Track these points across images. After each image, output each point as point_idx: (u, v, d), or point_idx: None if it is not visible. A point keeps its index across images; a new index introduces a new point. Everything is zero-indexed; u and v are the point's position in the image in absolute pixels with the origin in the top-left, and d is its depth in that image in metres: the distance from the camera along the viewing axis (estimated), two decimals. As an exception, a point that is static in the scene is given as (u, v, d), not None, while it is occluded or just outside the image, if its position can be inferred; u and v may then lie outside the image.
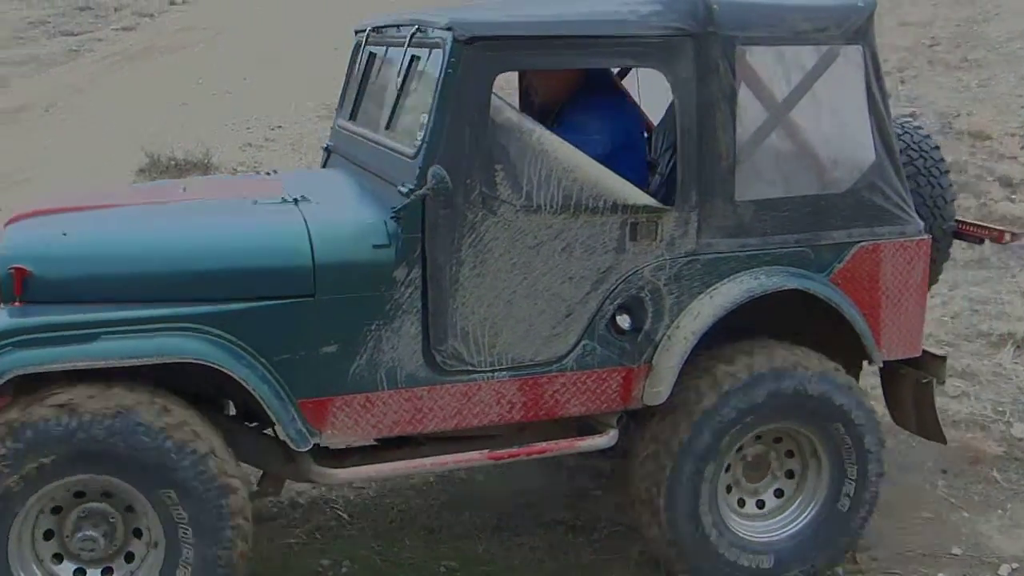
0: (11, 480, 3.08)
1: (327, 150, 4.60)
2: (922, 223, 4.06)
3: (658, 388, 3.71)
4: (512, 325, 3.56)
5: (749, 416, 3.78)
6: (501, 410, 3.62)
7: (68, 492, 3.23)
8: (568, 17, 3.59)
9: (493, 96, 3.43)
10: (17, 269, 3.23)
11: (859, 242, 3.92)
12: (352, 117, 4.32)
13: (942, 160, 4.36)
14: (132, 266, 3.31)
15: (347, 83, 4.49)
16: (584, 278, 3.60)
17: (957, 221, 4.36)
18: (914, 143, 4.33)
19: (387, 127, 3.83)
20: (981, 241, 4.42)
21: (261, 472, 3.85)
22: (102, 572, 3.31)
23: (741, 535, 3.95)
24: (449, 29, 3.39)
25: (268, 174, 4.46)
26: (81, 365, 3.15)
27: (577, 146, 3.55)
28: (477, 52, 3.38)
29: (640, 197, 3.62)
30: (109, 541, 3.27)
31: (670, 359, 3.69)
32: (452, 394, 3.56)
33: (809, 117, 3.92)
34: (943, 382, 4.32)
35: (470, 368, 3.55)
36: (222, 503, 3.24)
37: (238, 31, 14.65)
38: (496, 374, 3.59)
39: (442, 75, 3.37)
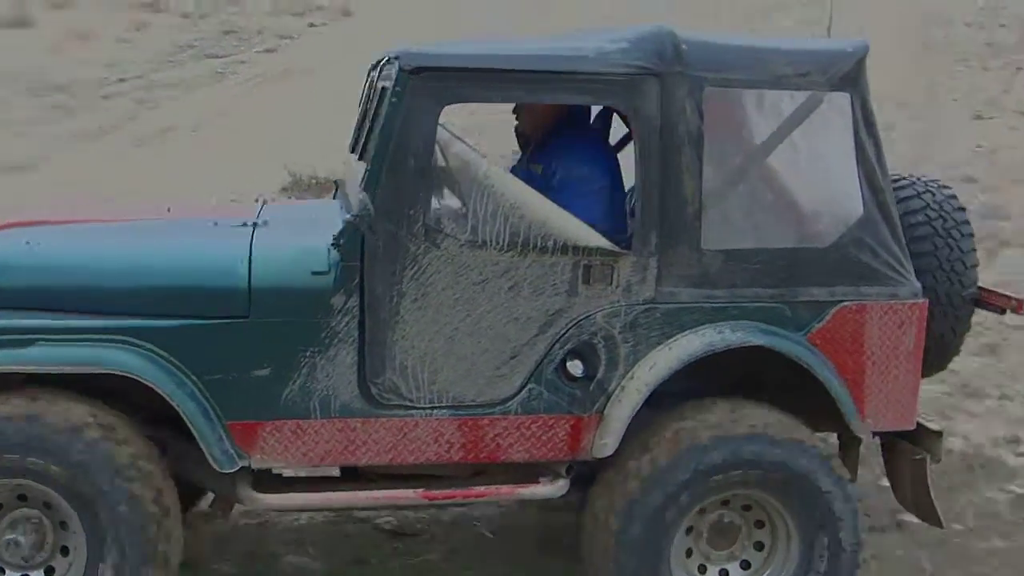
0: None
1: (335, 183, 4.56)
2: (919, 286, 3.72)
3: (605, 440, 3.49)
4: (453, 362, 3.44)
5: (705, 479, 3.49)
6: (439, 449, 3.49)
7: (12, 494, 3.28)
8: (522, 52, 3.52)
9: (441, 128, 3.36)
10: None
11: (841, 301, 3.62)
12: (352, 148, 4.21)
13: (966, 223, 3.96)
14: (74, 278, 3.34)
15: (359, 115, 4.38)
16: (532, 319, 3.46)
17: (980, 288, 3.94)
18: (935, 202, 3.94)
19: (359, 157, 3.80)
20: (1003, 311, 3.94)
21: (212, 495, 3.81)
22: None
23: None
24: (397, 59, 3.38)
25: (264, 201, 4.55)
26: (11, 369, 3.21)
27: (571, 188, 3.60)
28: (422, 83, 3.33)
29: (593, 239, 3.43)
30: (34, 550, 3.29)
31: (621, 411, 3.47)
32: (387, 428, 3.45)
33: (788, 165, 3.69)
34: (939, 460, 3.90)
35: (408, 403, 3.45)
36: (143, 521, 3.23)
37: (379, 52, 14.71)
38: (435, 411, 3.46)
39: (387, 104, 3.36)
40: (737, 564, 3.72)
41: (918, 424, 3.85)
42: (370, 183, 3.33)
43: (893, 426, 3.80)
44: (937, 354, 3.98)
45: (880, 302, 3.65)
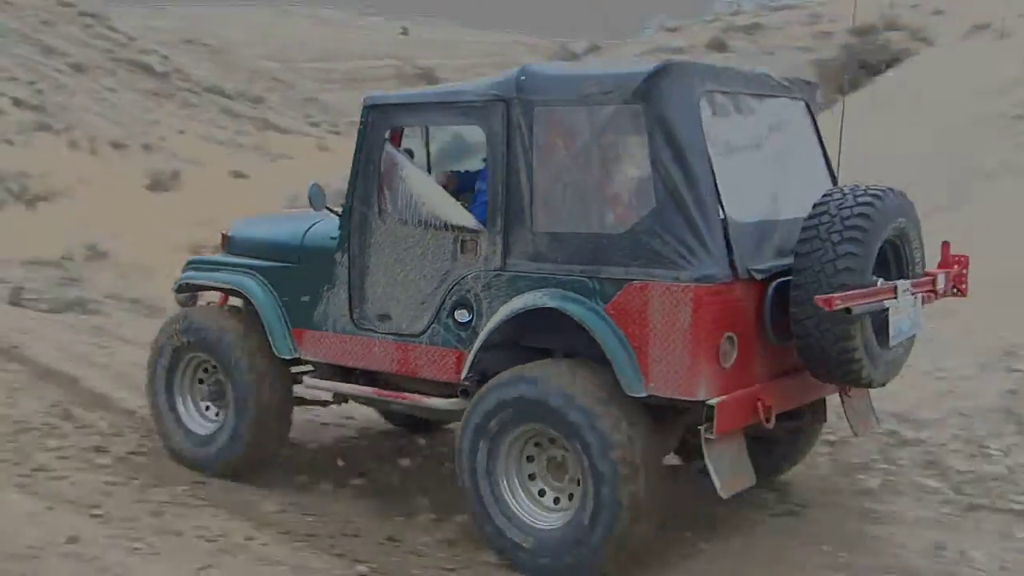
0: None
1: None
2: (710, 273, 4.21)
3: (464, 371, 4.88)
4: (394, 304, 5.18)
5: (503, 409, 4.60)
6: (386, 361, 5.25)
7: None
8: (433, 90, 5.37)
9: (386, 144, 5.23)
10: (223, 235, 6.28)
11: (631, 280, 4.37)
12: None
13: (855, 228, 4.28)
14: (249, 240, 6.04)
15: None
16: (433, 277, 5.02)
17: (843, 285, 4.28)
18: (841, 206, 4.35)
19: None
20: (849, 311, 4.23)
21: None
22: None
23: (515, 512, 4.65)
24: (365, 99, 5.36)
25: None
26: (204, 282, 6.12)
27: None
28: (375, 113, 5.27)
29: (465, 219, 4.93)
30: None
31: (473, 348, 4.82)
32: (361, 343, 5.32)
33: (595, 165, 4.58)
34: (712, 433, 4.23)
35: (371, 329, 5.29)
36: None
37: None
38: (384, 336, 5.23)
39: (357, 131, 5.35)
40: (561, 492, 4.67)
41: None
42: (351, 183, 5.31)
43: (673, 393, 4.28)
44: (814, 353, 4.42)
45: (661, 283, 4.27)
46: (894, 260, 4.69)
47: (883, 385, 4.78)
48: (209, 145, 29.91)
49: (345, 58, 61.41)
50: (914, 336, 4.85)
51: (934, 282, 4.92)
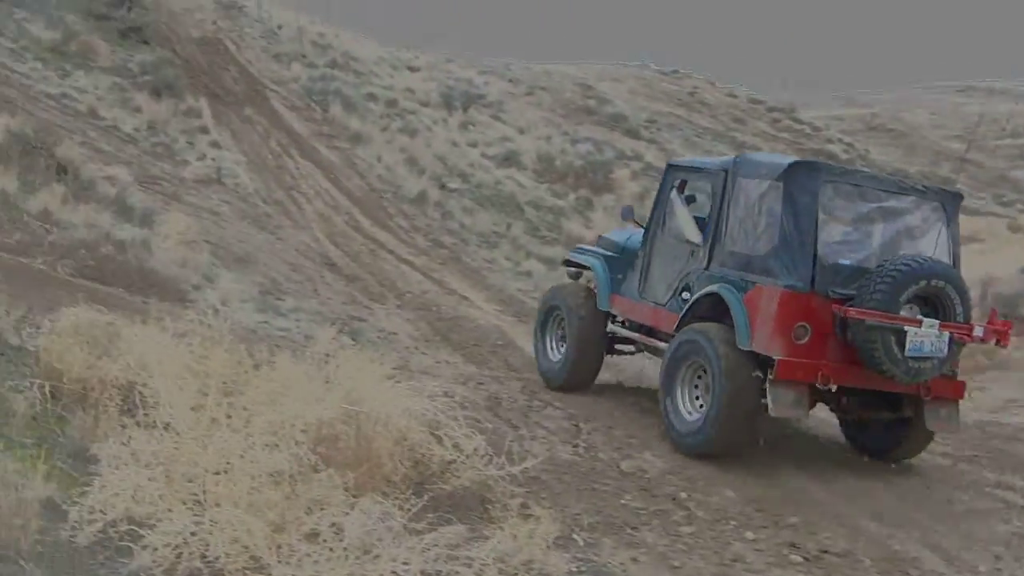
0: None
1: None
2: (791, 283, 7.18)
3: (676, 326, 8.25)
4: (659, 284, 8.46)
5: (681, 348, 7.79)
6: (648, 317, 8.64)
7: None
8: (697, 160, 9.52)
9: (673, 190, 8.68)
10: (598, 236, 10.55)
11: (757, 282, 7.47)
12: None
13: (888, 277, 6.99)
14: (605, 240, 9.76)
15: None
16: (677, 270, 8.34)
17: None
18: (889, 264, 7.07)
19: None
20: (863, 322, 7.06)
21: None
22: None
23: (681, 410, 7.76)
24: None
25: None
26: (575, 262, 9.84)
27: None
28: (670, 172, 8.97)
29: (696, 238, 8.25)
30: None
31: (680, 314, 8.20)
32: (639, 306, 8.68)
33: (757, 215, 7.70)
34: (773, 375, 7.28)
35: (646, 299, 8.60)
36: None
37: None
38: (650, 303, 8.54)
39: (660, 181, 9.10)
40: (706, 401, 7.50)
41: None
42: (652, 212, 8.84)
43: (761, 350, 7.21)
44: (855, 347, 7.18)
45: (768, 286, 7.35)
46: (937, 307, 7.05)
47: (906, 383, 7.17)
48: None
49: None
50: (945, 359, 7.12)
51: (971, 330, 7.17)
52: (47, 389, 5.65)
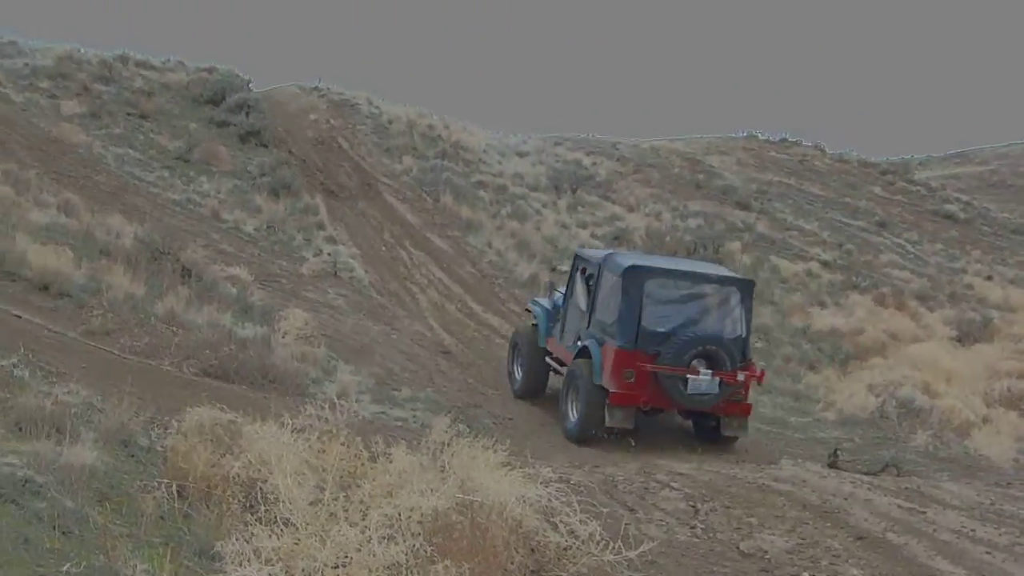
0: None
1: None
2: (621, 344, 11.10)
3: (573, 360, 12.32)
4: (567, 333, 12.46)
5: (570, 373, 11.91)
6: (564, 355, 12.64)
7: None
8: (585, 252, 13.15)
9: (577, 271, 12.67)
10: (550, 284, 14.85)
11: (606, 342, 11.42)
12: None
13: (678, 344, 11.04)
14: (542, 302, 13.69)
15: None
16: (576, 325, 12.23)
17: None
18: (685, 338, 11.05)
19: None
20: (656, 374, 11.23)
21: None
22: None
23: (568, 414, 11.75)
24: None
25: None
26: (531, 311, 14.37)
27: None
28: (576, 259, 12.99)
29: (584, 307, 12.27)
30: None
31: (575, 354, 12.20)
32: (563, 349, 12.51)
33: (609, 296, 11.60)
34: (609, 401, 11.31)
35: (565, 344, 12.47)
36: None
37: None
38: (567, 348, 12.49)
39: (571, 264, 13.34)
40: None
41: None
42: (567, 285, 12.80)
43: (605, 386, 11.20)
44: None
45: (610, 345, 11.24)
46: (712, 362, 10.94)
47: (691, 408, 11.33)
48: (1019, 290, 28.25)
49: None
50: (720, 391, 11.03)
51: (735, 375, 11.04)
52: (174, 488, 5.86)
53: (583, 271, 12.20)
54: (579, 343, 11.66)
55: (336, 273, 18.38)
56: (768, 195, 34.17)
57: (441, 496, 5.61)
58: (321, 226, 21.17)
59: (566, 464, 9.38)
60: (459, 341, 16.08)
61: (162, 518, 5.64)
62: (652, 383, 10.87)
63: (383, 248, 21.21)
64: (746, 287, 11.56)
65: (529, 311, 14.02)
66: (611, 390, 10.91)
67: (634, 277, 11.04)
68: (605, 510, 7.38)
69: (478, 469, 6.07)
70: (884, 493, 9.36)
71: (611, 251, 12.93)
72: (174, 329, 11.29)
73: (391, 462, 6.12)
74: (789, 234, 30.19)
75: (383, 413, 11.08)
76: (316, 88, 32.73)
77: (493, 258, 21.50)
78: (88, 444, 6.25)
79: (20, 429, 6.36)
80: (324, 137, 27.97)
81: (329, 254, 19.44)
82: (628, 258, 11.86)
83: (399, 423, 10.67)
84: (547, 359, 12.89)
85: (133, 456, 6.66)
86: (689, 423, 12.07)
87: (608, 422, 10.94)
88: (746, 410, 11.43)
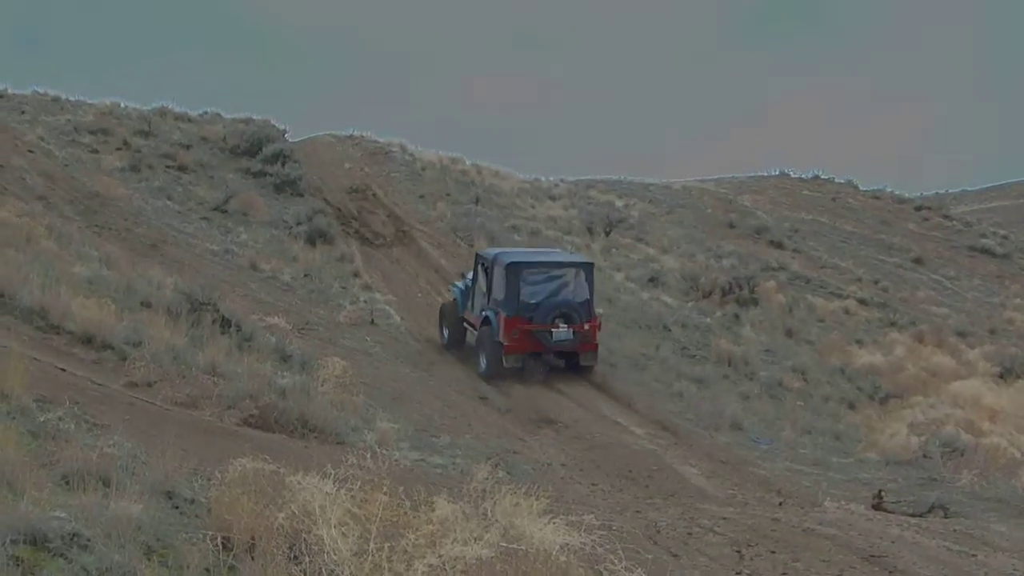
0: None
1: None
2: (508, 313, 16.33)
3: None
4: (475, 307, 17.95)
5: (482, 330, 17.38)
6: (475, 320, 17.89)
7: None
8: (484, 251, 18.98)
9: (477, 265, 17.96)
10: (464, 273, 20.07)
11: (500, 312, 16.65)
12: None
13: (542, 308, 16.49)
14: (467, 286, 18.45)
15: None
16: (481, 299, 17.60)
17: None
18: (551, 303, 16.59)
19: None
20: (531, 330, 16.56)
21: None
22: None
23: (480, 358, 17.17)
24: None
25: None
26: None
27: None
28: (478, 258, 18.42)
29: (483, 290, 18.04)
30: None
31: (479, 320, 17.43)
32: (473, 317, 17.73)
33: (498, 278, 16.89)
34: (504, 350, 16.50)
35: (475, 313, 17.75)
36: None
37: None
38: (477, 316, 17.84)
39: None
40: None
41: None
42: (474, 272, 18.12)
43: (501, 340, 16.42)
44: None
45: (502, 314, 16.53)
46: (567, 319, 16.20)
47: (557, 350, 16.43)
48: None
49: None
50: (575, 337, 16.28)
51: (583, 326, 16.26)
52: (219, 540, 5.88)
53: (483, 265, 17.31)
54: (483, 314, 16.76)
55: (373, 320, 18.49)
56: (802, 233, 34.05)
57: (485, 545, 5.60)
58: (357, 273, 21.34)
59: (608, 510, 9.32)
60: (496, 386, 16.08)
61: (208, 570, 5.66)
62: (531, 337, 16.22)
63: (419, 294, 21.32)
64: (588, 267, 17.17)
65: (450, 291, 19.34)
66: (505, 344, 16.11)
67: (514, 268, 16.45)
68: (649, 556, 7.32)
69: (521, 517, 6.05)
70: (932, 536, 9.21)
71: (500, 251, 17.97)
72: (215, 379, 11.38)
73: (434, 511, 6.11)
74: (824, 272, 30.03)
75: (423, 460, 11.08)
76: (350, 137, 33.11)
77: (528, 302, 21.53)
78: (133, 496, 6.30)
79: (67, 482, 6.42)
80: (359, 185, 28.26)
81: (365, 301, 19.58)
82: (510, 256, 17.12)
83: (439, 470, 10.67)
84: (464, 323, 17.95)
85: (177, 508, 6.70)
86: (562, 362, 16.63)
87: (504, 364, 16.14)
88: (594, 348, 16.68)
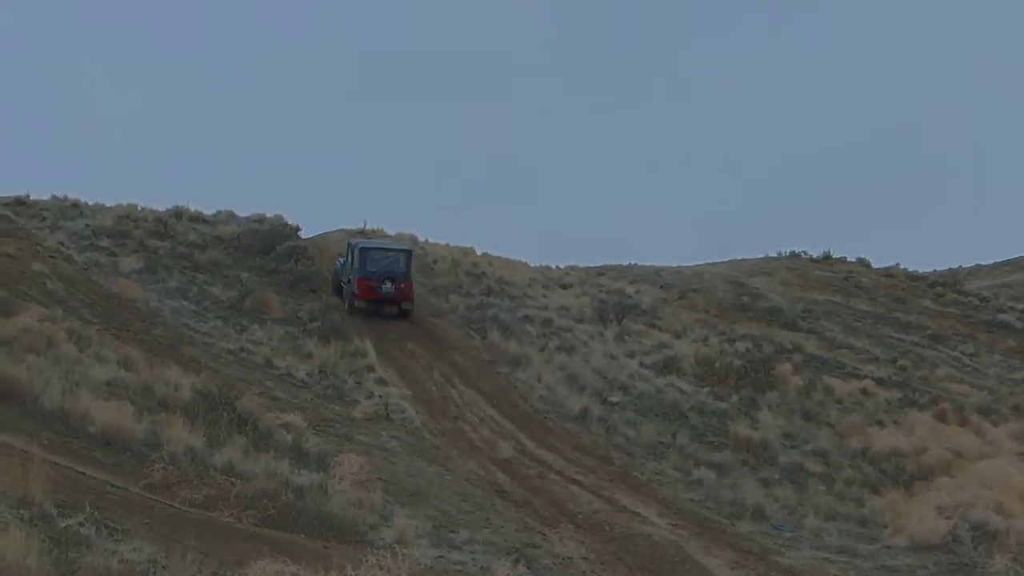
0: None
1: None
2: (355, 278, 26.44)
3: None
4: (346, 286, 27.67)
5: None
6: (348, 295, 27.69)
7: None
8: (354, 241, 28.09)
9: (349, 251, 27.39)
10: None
11: (352, 283, 26.76)
12: None
13: (373, 276, 25.88)
14: (344, 263, 28.03)
15: None
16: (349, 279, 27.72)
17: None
18: (378, 271, 26.10)
19: None
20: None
21: None
22: None
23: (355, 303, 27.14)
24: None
25: None
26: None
27: None
28: (349, 247, 27.59)
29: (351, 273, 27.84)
30: None
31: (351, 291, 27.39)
32: (343, 283, 27.86)
33: (357, 262, 26.28)
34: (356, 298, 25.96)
35: (345, 280, 27.63)
36: None
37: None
38: (346, 282, 27.78)
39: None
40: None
41: None
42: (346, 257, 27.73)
43: (356, 293, 26.50)
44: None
45: (355, 279, 26.56)
46: (392, 281, 25.75)
47: (387, 298, 25.88)
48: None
49: None
50: (395, 290, 25.74)
51: (400, 285, 25.88)
52: (240, 647, 5.84)
53: (350, 249, 26.17)
54: (349, 277, 25.94)
55: (388, 415, 18.47)
56: (815, 314, 34.05)
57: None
58: (371, 368, 21.39)
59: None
60: (513, 479, 15.97)
61: None
62: (371, 290, 25.15)
63: (433, 388, 21.32)
64: (407, 253, 26.88)
65: (336, 263, 27.99)
66: (357, 293, 25.31)
67: (364, 251, 25.70)
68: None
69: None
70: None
71: (358, 240, 27.28)
72: (232, 480, 11.37)
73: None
74: (840, 352, 29.95)
75: (442, 557, 10.98)
76: (361, 231, 33.53)
77: (543, 392, 21.52)
78: (154, 604, 6.27)
79: (87, 591, 6.41)
80: (371, 280, 28.73)
81: (380, 396, 19.59)
82: (362, 243, 26.74)
83: (459, 567, 10.57)
84: (342, 284, 26.73)
85: (197, 614, 6.66)
86: (395, 309, 25.55)
87: (356, 305, 25.28)
88: (410, 299, 25.89)
